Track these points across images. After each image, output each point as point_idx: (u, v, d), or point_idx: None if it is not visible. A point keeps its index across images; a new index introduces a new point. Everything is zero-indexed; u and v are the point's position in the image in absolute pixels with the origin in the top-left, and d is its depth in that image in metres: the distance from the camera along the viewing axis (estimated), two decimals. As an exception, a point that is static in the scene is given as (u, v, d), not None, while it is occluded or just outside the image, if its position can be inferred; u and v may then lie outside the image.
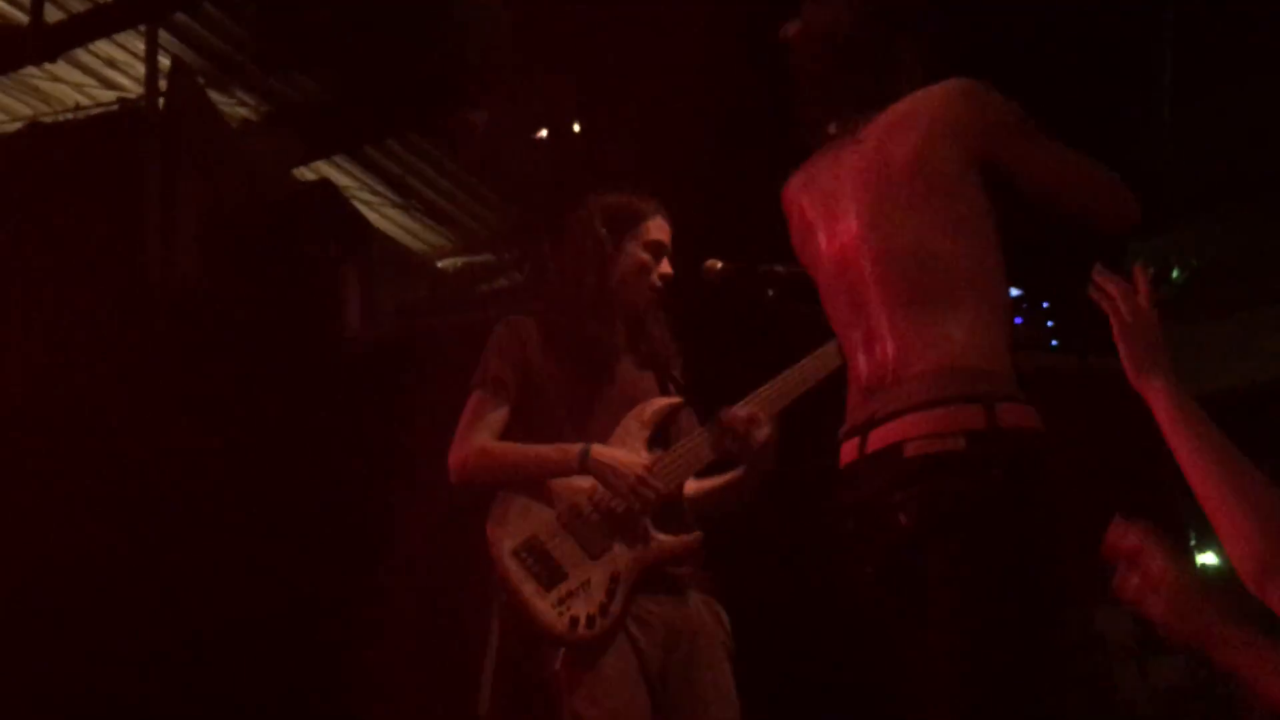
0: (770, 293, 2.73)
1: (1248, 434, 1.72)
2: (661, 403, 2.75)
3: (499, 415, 2.67)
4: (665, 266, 2.78)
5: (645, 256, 2.76)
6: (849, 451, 2.18)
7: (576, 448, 2.59)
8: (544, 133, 5.21)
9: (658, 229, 2.78)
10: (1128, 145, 4.60)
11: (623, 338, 2.78)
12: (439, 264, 6.63)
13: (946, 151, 2.12)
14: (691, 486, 2.77)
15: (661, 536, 2.61)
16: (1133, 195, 2.18)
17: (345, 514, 4.06)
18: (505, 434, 2.67)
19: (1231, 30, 4.41)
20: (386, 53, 4.89)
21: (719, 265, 2.80)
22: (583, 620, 2.47)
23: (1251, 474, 1.62)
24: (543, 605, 2.47)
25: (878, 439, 2.12)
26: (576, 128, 5.11)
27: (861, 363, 2.20)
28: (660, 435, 2.74)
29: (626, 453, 2.62)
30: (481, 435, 2.64)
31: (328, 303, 4.57)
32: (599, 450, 2.59)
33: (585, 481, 2.60)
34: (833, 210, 2.25)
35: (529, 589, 2.48)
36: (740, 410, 2.65)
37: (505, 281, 6.19)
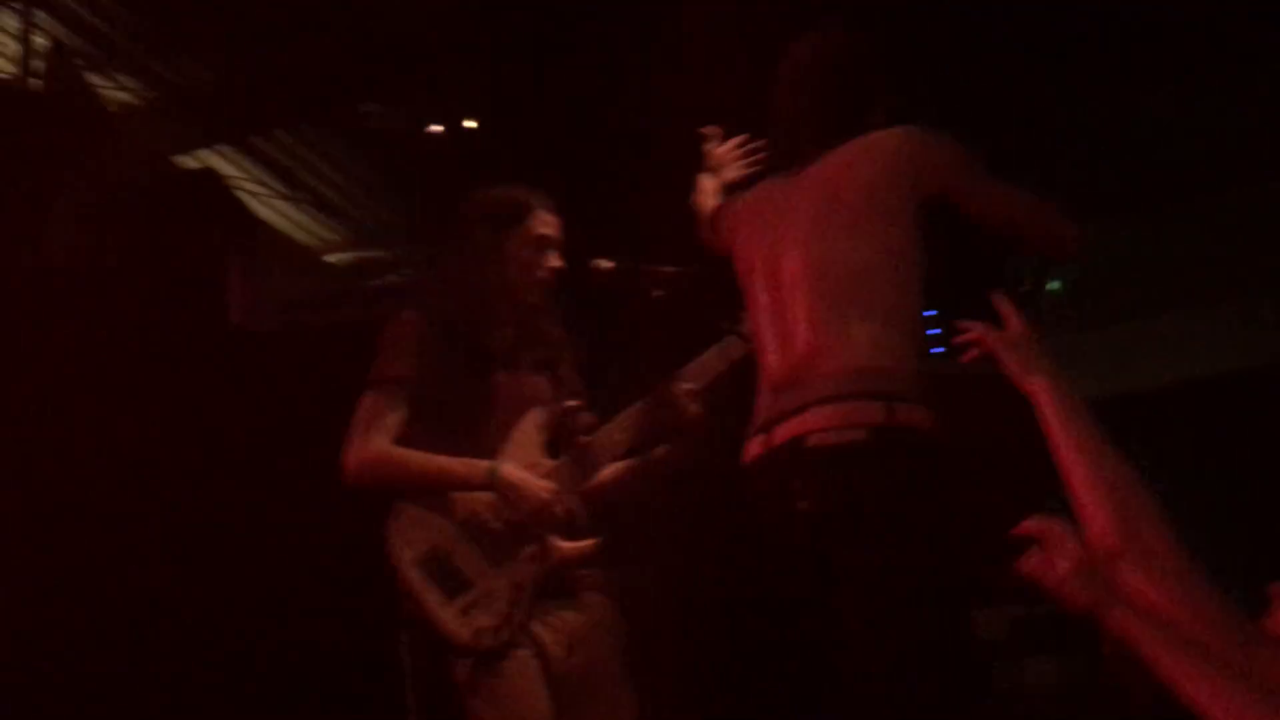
0: (657, 293, 2.75)
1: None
2: (557, 407, 2.73)
3: (397, 416, 2.60)
4: (553, 260, 2.74)
5: (529, 253, 2.72)
6: (755, 446, 2.32)
7: (483, 465, 2.56)
8: (439, 128, 5.16)
9: (541, 223, 2.74)
10: (1019, 154, 4.71)
11: (514, 338, 2.74)
12: (328, 258, 6.51)
13: (895, 187, 2.35)
14: (612, 470, 2.75)
15: (562, 544, 2.60)
16: (1070, 223, 2.40)
17: (221, 508, 3.97)
18: (402, 436, 2.61)
19: (1125, 46, 4.53)
20: (277, 39, 4.78)
21: (605, 264, 2.80)
22: (487, 631, 2.46)
23: (1116, 465, 1.71)
24: (447, 615, 2.46)
25: (783, 433, 2.25)
26: (472, 124, 5.07)
27: (774, 361, 2.36)
28: (557, 439, 2.72)
29: (532, 475, 2.58)
30: (380, 438, 2.57)
31: (209, 294, 4.45)
32: (506, 470, 2.56)
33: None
34: (780, 224, 2.45)
35: (433, 599, 2.47)
36: (678, 385, 2.64)
37: (396, 277, 6.11)
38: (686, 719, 3.62)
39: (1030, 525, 1.60)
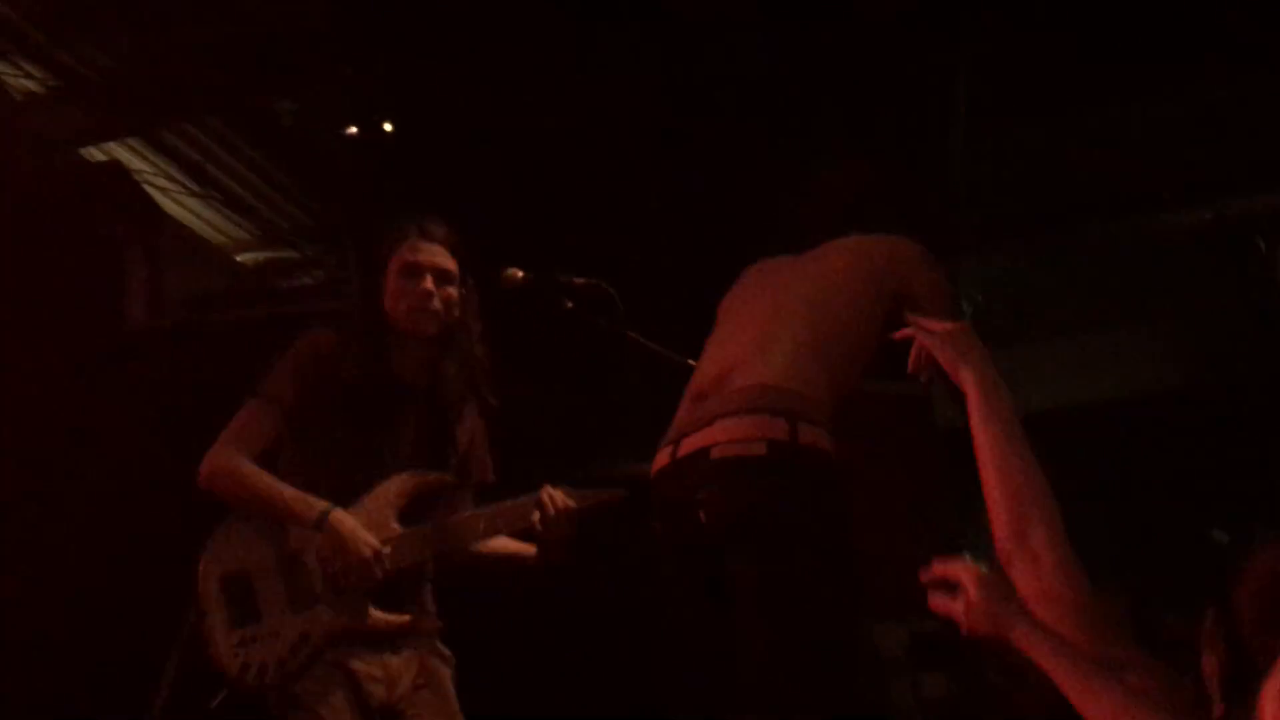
0: (568, 304, 2.77)
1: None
2: (428, 478, 2.68)
3: (265, 431, 2.62)
4: (424, 284, 2.66)
5: (400, 282, 2.68)
6: (663, 457, 2.35)
7: (320, 506, 2.54)
8: (353, 129, 5.10)
9: (411, 250, 2.68)
10: (922, 175, 4.81)
11: (409, 376, 2.70)
12: (238, 258, 6.39)
13: (872, 279, 2.49)
14: (485, 546, 2.73)
15: (374, 612, 2.56)
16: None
17: (112, 510, 3.87)
18: (270, 451, 2.63)
19: (1024, 69, 4.65)
20: (188, 30, 4.69)
21: (518, 274, 2.81)
22: (254, 668, 2.45)
23: (1022, 468, 1.77)
24: (223, 639, 2.46)
25: (689, 444, 2.30)
26: (388, 127, 5.02)
27: (701, 372, 2.45)
28: (418, 509, 2.67)
29: (364, 528, 2.54)
30: (239, 451, 2.59)
31: (109, 287, 4.34)
32: (338, 516, 2.53)
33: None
34: (770, 279, 2.61)
35: (217, 619, 2.47)
36: (560, 501, 2.60)
37: (308, 279, 6.02)
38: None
39: (935, 569, 1.68)
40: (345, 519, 2.53)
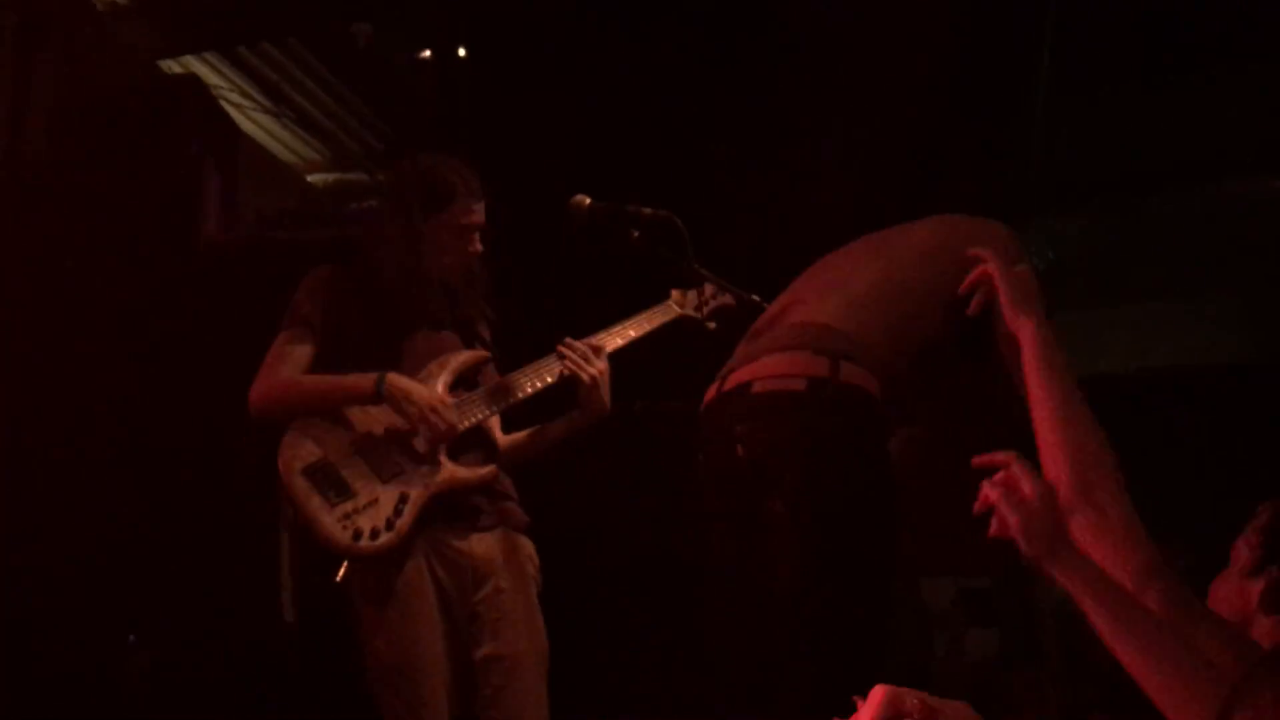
0: (635, 234, 2.76)
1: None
2: (467, 354, 2.82)
3: (305, 353, 2.70)
4: (473, 245, 2.82)
5: (451, 239, 2.79)
6: (711, 391, 2.34)
7: (373, 375, 2.63)
8: (428, 53, 5.10)
9: (465, 212, 2.79)
10: (999, 135, 4.73)
11: (430, 302, 2.82)
12: (309, 178, 6.45)
13: (953, 244, 2.32)
14: (516, 436, 2.86)
15: (454, 467, 2.66)
16: None
17: (181, 418, 3.95)
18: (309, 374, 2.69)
19: (1106, 34, 4.54)
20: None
21: (586, 202, 2.80)
22: (366, 532, 2.52)
23: (1081, 421, 1.76)
24: (327, 519, 2.52)
25: (735, 378, 2.28)
26: (462, 52, 5.01)
27: (765, 312, 2.44)
28: (462, 383, 2.79)
29: (422, 385, 2.66)
30: (287, 370, 2.67)
31: (185, 201, 4.40)
32: (394, 377, 2.63)
33: (382, 411, 2.64)
34: (862, 243, 2.50)
35: (315, 503, 2.52)
36: (579, 343, 2.76)
37: (374, 202, 6.06)
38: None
39: (998, 456, 1.62)
40: (400, 378, 2.64)
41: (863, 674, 1.87)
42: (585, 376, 2.73)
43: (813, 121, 4.16)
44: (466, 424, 2.69)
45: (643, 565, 3.93)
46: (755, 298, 2.72)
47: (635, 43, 4.11)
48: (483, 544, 2.70)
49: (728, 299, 2.94)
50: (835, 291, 2.35)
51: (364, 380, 2.63)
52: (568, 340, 2.78)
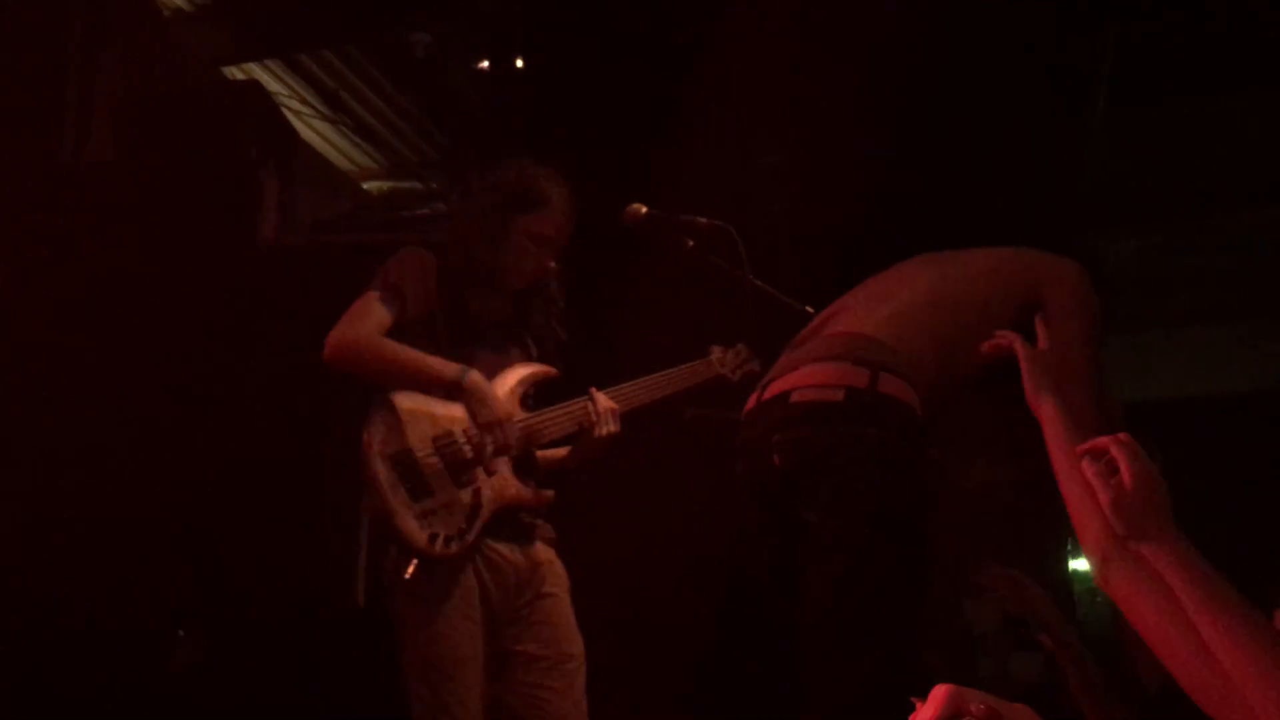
0: (689, 243, 2.76)
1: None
2: (540, 369, 2.83)
3: (387, 316, 2.68)
4: (548, 259, 2.82)
5: (531, 245, 2.78)
6: (751, 400, 2.35)
7: (457, 365, 2.64)
8: (486, 64, 5.15)
9: (550, 223, 2.79)
10: (1055, 151, 4.68)
11: (494, 300, 2.81)
12: (364, 185, 6.52)
13: (1016, 276, 2.37)
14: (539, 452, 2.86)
15: (519, 484, 2.69)
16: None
17: (238, 418, 4.00)
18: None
19: (1168, 50, 4.50)
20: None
21: (642, 210, 2.81)
22: (441, 538, 2.53)
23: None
24: (408, 516, 2.52)
25: (775, 388, 2.27)
26: (520, 63, 5.05)
27: (810, 323, 2.45)
28: (530, 400, 2.81)
29: (497, 393, 2.67)
30: (369, 325, 2.65)
31: (243, 205, 4.46)
32: (477, 375, 2.64)
33: (460, 411, 2.64)
34: (919, 262, 2.50)
35: (398, 497, 2.52)
36: (604, 400, 2.76)
37: (428, 211, 6.11)
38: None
39: (1100, 441, 1.65)
40: (483, 380, 2.65)
41: (896, 683, 1.86)
42: (597, 434, 2.74)
43: (867, 138, 4.14)
44: (520, 447, 2.70)
45: (687, 572, 3.93)
46: (808, 309, 2.72)
47: (693, 56, 4.12)
48: (527, 554, 2.72)
49: (755, 366, 2.93)
50: (883, 303, 2.35)
51: (448, 368, 2.63)
52: (594, 393, 2.78)
